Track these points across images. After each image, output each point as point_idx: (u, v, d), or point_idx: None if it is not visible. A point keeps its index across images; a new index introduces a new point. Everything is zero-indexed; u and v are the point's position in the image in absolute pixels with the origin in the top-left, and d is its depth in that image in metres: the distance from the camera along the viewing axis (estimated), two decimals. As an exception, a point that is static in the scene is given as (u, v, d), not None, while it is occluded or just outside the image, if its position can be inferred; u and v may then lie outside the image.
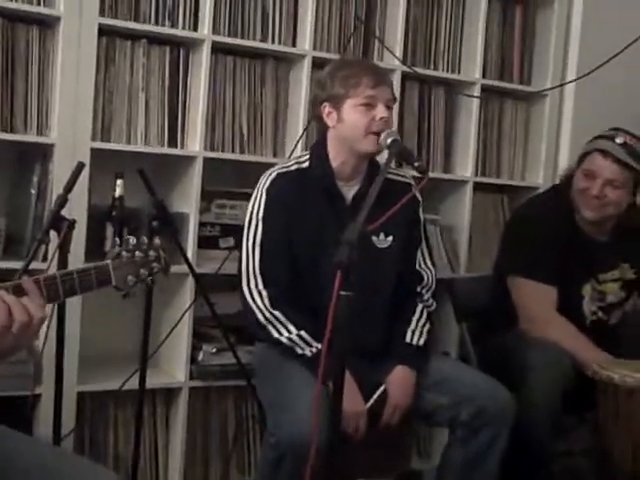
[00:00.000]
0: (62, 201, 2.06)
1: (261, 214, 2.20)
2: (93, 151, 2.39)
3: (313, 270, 2.17)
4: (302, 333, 2.12)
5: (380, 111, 2.15)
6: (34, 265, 2.08)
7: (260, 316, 2.16)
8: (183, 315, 2.52)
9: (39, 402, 2.33)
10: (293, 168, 2.25)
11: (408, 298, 2.30)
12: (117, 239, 1.65)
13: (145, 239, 1.66)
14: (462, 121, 3.05)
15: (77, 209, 2.27)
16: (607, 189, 2.48)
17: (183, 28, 2.55)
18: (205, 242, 2.59)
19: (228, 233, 2.63)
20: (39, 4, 2.35)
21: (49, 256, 2.18)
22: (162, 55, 2.54)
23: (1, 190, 2.49)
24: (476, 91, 3.00)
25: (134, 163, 2.34)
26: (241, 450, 2.73)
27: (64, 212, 2.03)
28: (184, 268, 2.39)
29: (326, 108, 2.22)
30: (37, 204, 2.37)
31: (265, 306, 2.15)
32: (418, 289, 2.32)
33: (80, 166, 2.11)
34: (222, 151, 2.63)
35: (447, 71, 3.01)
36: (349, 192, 2.25)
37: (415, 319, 2.27)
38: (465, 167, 3.03)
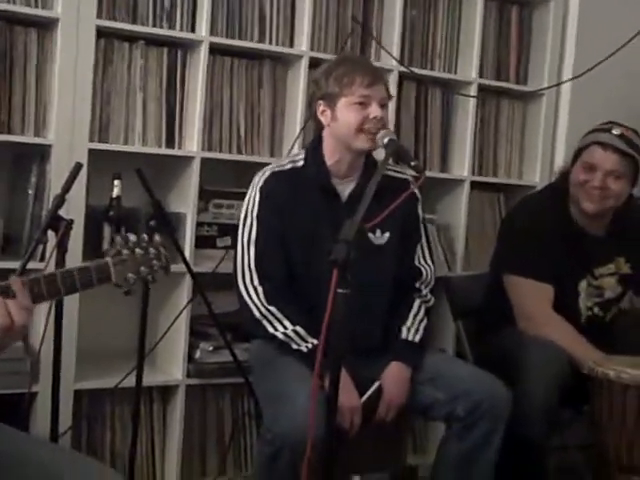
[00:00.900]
0: (60, 201, 2.07)
1: (255, 212, 2.22)
2: (91, 152, 2.41)
3: (308, 267, 2.19)
4: (297, 328, 2.14)
5: (374, 110, 2.17)
6: (32, 265, 2.10)
7: (256, 312, 2.17)
8: (180, 313, 2.54)
9: (36, 400, 2.34)
10: (288, 167, 2.27)
11: (406, 294, 2.32)
12: (118, 237, 1.64)
13: (145, 236, 1.65)
14: (459, 120, 3.06)
15: (75, 209, 2.29)
16: (609, 180, 2.49)
17: (181, 29, 2.57)
18: (202, 241, 2.61)
19: (225, 233, 2.64)
20: (37, 6, 2.37)
21: (47, 256, 2.21)
22: (160, 56, 2.56)
23: (-1, 191, 2.51)
24: (473, 91, 3.01)
25: (132, 164, 2.35)
26: (238, 447, 2.74)
27: (62, 212, 2.04)
28: (181, 267, 2.41)
29: (321, 106, 2.23)
30: (35, 204, 2.39)
31: (261, 302, 2.17)
32: (417, 285, 2.33)
33: (78, 167, 2.13)
34: (219, 151, 2.65)
35: (444, 71, 3.02)
36: (345, 189, 2.26)
37: (412, 314, 2.28)
38: (462, 166, 3.04)
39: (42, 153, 2.41)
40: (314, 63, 2.69)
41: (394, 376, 2.18)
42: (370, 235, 2.24)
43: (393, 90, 2.60)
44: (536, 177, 3.19)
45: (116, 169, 2.45)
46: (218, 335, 2.49)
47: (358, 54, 2.82)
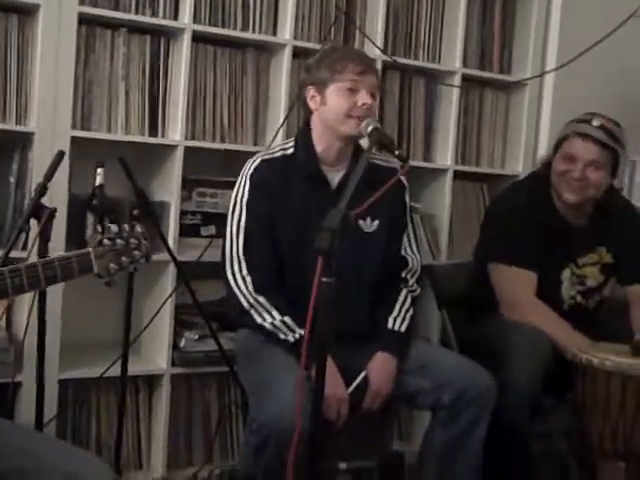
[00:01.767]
0: (42, 189, 2.04)
1: (245, 200, 2.21)
2: (73, 140, 2.38)
3: (297, 256, 2.18)
4: (286, 319, 2.13)
5: (362, 97, 2.17)
6: (14, 254, 2.07)
7: (244, 301, 2.16)
8: (165, 302, 2.53)
9: (20, 389, 2.33)
10: (278, 154, 2.27)
11: (392, 283, 2.32)
12: (99, 227, 1.64)
13: (127, 227, 1.65)
14: (442, 110, 3.06)
15: (57, 198, 2.26)
16: (588, 170, 2.51)
17: (164, 17, 2.55)
18: (186, 230, 2.60)
19: (209, 221, 2.64)
20: (18, -8, 2.35)
21: (29, 245, 2.19)
22: (142, 44, 2.54)
23: (-20, 179, 2.48)
24: (456, 81, 3.02)
25: (115, 152, 2.34)
26: (224, 436, 2.74)
27: (44, 201, 2.02)
28: (165, 256, 2.39)
29: (310, 91, 2.24)
30: (17, 193, 2.37)
31: (249, 291, 2.16)
32: (403, 274, 2.34)
33: (60, 154, 2.11)
34: (203, 140, 2.63)
35: (427, 61, 3.02)
36: (334, 177, 2.27)
37: (399, 304, 2.29)
38: (445, 156, 3.04)
39: (24, 141, 2.38)
40: (297, 52, 2.69)
41: (380, 366, 2.18)
42: (360, 222, 2.24)
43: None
44: (519, 167, 3.20)
45: (99, 157, 2.42)
46: (203, 324, 2.48)
47: (342, 43, 2.82)
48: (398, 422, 3.00)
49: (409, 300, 2.31)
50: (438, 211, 3.05)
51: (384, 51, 2.85)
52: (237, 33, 2.65)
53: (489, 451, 2.20)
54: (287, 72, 2.68)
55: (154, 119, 2.57)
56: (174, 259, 2.41)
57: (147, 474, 2.62)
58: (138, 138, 2.54)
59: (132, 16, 2.50)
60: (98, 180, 2.42)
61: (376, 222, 2.28)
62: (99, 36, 2.48)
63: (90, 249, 1.55)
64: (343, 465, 2.00)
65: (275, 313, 2.14)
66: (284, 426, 1.85)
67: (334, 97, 2.19)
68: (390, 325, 2.25)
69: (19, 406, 2.34)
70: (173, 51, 2.58)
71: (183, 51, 2.54)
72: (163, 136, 2.58)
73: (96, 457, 1.60)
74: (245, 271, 2.17)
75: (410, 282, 2.34)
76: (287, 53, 2.68)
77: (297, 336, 2.11)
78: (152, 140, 2.57)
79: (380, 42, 2.85)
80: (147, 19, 2.52)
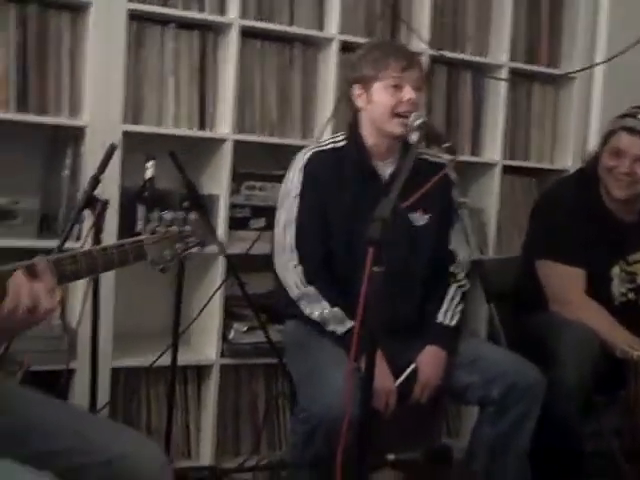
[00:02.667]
0: (95, 182, 2.09)
1: (297, 191, 2.21)
2: (124, 134, 2.42)
3: (348, 247, 2.19)
4: (335, 310, 2.14)
5: (407, 92, 2.17)
6: (69, 244, 2.12)
7: (294, 291, 2.18)
8: (214, 293, 2.54)
9: (74, 377, 2.36)
10: (329, 147, 2.28)
11: (441, 277, 2.31)
12: (154, 214, 1.66)
13: (181, 214, 1.66)
14: (490, 104, 3.04)
15: (109, 190, 2.29)
16: (636, 165, 2.48)
17: (211, 12, 2.57)
18: (235, 223, 2.62)
19: (258, 214, 2.66)
20: (70, -10, 2.39)
21: (83, 235, 2.23)
22: (191, 39, 2.57)
23: (35, 172, 2.53)
24: (504, 74, 2.99)
25: (165, 146, 2.37)
26: (271, 426, 2.75)
27: (97, 193, 2.06)
28: (215, 248, 2.41)
29: (356, 89, 2.24)
30: (70, 186, 2.41)
31: (300, 282, 2.17)
32: (452, 269, 2.33)
33: (112, 148, 2.15)
34: (252, 133, 2.65)
35: (475, 54, 3.00)
36: (385, 170, 2.27)
37: (448, 299, 2.28)
38: (493, 150, 3.02)
39: (76, 135, 2.42)
40: (344, 46, 2.69)
41: (429, 358, 2.18)
42: (410, 216, 2.24)
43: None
44: (568, 162, 3.16)
45: (149, 151, 2.46)
46: (252, 316, 2.49)
47: (388, 38, 2.81)
48: (446, 418, 2.98)
49: (459, 295, 2.31)
50: (486, 206, 3.02)
51: (431, 45, 2.84)
52: (284, 28, 2.66)
53: (539, 447, 2.18)
54: (334, 66, 2.68)
55: (203, 113, 2.59)
56: (223, 251, 2.42)
57: (195, 463, 2.64)
58: (188, 132, 2.57)
59: (180, 12, 2.52)
60: (149, 173, 2.45)
61: (427, 216, 2.28)
62: (148, 32, 2.51)
63: (145, 236, 1.57)
64: (391, 456, 1.99)
65: (325, 304, 2.15)
66: (334, 415, 1.85)
67: (379, 95, 2.19)
68: (440, 319, 2.25)
69: (72, 393, 2.38)
70: (221, 46, 2.60)
71: (231, 46, 2.56)
72: (212, 130, 2.61)
73: (149, 440, 1.60)
74: (296, 261, 2.18)
75: (459, 276, 2.33)
76: (334, 47, 2.69)
77: (346, 328, 2.11)
78: (201, 134, 2.59)
79: (426, 36, 2.84)
80: (195, 14, 2.54)
